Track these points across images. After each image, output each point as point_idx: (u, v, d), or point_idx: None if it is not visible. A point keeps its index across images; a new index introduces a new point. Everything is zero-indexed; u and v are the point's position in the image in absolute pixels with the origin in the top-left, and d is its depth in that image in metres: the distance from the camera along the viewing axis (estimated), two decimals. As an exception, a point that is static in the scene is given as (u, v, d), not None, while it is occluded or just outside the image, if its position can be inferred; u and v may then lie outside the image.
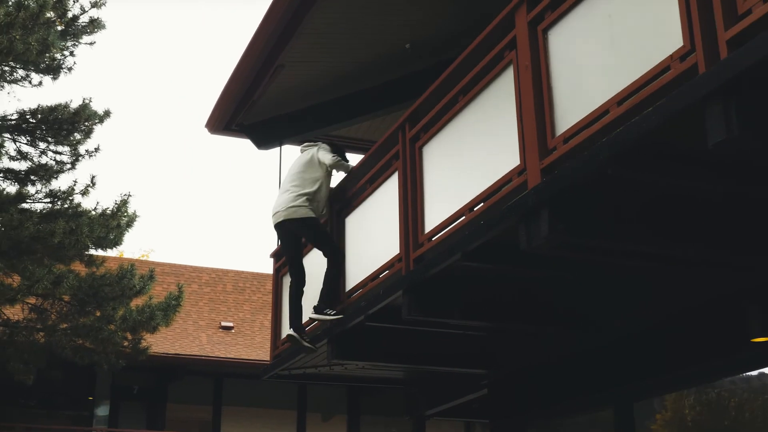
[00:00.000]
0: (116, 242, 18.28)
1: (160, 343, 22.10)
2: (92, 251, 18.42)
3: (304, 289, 8.10)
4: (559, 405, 7.58)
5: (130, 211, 18.91)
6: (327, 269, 7.75)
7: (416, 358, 8.16)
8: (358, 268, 7.61)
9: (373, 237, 7.45)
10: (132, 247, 59.93)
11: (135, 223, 19.25)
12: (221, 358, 21.63)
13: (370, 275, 7.31)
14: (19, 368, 16.92)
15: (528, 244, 5.18)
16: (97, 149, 18.84)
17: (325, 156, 8.05)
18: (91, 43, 19.36)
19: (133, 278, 18.20)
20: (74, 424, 20.31)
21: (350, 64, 9.34)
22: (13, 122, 17.94)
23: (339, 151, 8.33)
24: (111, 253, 34.40)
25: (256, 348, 22.99)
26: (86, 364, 17.47)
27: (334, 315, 7.55)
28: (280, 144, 10.07)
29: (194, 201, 66.47)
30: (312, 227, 7.95)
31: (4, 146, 16.29)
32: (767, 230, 5.27)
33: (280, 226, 8.00)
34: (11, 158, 17.94)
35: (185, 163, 69.19)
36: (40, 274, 15.89)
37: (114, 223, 17.64)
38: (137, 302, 18.52)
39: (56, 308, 18.00)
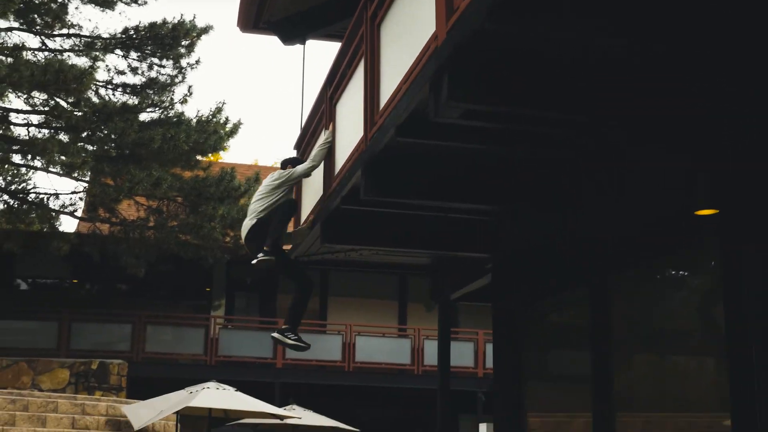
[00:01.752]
0: (216, 147, 18.37)
1: (274, 240, 22.33)
2: (200, 157, 18.62)
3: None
4: (550, 286, 6.93)
5: (234, 119, 18.95)
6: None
7: (412, 241, 7.63)
8: (344, 154, 7.11)
9: (352, 121, 6.90)
10: (267, 156, 60.83)
11: (240, 130, 19.30)
12: (326, 252, 21.66)
13: (346, 159, 6.81)
14: (131, 262, 17.40)
15: (435, 113, 4.56)
16: (198, 62, 18.79)
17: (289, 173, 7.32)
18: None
19: (233, 180, 18.31)
20: (194, 313, 20.89)
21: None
22: (121, 39, 18.05)
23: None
24: (236, 160, 34.83)
25: (361, 243, 22.90)
26: (191, 258, 17.81)
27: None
28: (304, 40, 9.56)
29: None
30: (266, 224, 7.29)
31: (98, 60, 16.37)
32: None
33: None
34: (119, 72, 18.15)
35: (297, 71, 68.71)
36: (140, 176, 16.10)
37: (211, 129, 17.67)
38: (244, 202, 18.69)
39: (171, 208, 18.39)
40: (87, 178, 16.69)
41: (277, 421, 14.91)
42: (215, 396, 13.11)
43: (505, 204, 6.49)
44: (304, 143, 8.90)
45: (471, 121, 4.65)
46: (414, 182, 5.99)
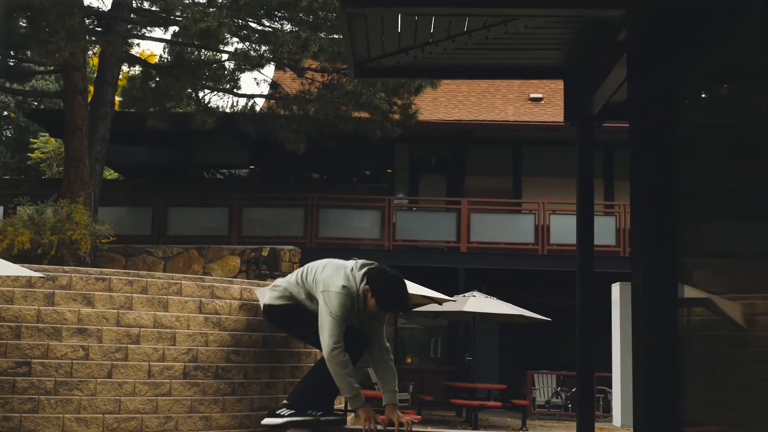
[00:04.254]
0: (377, 4, 15.51)
1: (465, 115, 19.44)
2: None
3: None
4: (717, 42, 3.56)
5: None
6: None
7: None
8: None
9: None
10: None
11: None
12: (520, 122, 18.40)
13: None
14: (289, 138, 15.21)
15: None
16: None
17: None
18: None
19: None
20: (375, 195, 18.57)
21: None
22: None
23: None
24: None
25: (561, 116, 19.30)
26: (352, 131, 15.31)
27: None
28: None
29: None
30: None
31: None
32: None
33: None
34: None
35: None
36: (285, 37, 13.63)
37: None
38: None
39: (343, 81, 15.98)
40: (227, 47, 14.53)
41: (440, 307, 12.39)
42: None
43: None
44: None
45: None
46: None
